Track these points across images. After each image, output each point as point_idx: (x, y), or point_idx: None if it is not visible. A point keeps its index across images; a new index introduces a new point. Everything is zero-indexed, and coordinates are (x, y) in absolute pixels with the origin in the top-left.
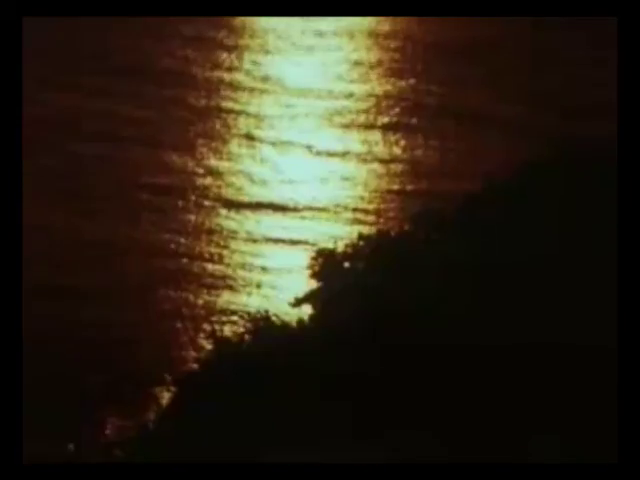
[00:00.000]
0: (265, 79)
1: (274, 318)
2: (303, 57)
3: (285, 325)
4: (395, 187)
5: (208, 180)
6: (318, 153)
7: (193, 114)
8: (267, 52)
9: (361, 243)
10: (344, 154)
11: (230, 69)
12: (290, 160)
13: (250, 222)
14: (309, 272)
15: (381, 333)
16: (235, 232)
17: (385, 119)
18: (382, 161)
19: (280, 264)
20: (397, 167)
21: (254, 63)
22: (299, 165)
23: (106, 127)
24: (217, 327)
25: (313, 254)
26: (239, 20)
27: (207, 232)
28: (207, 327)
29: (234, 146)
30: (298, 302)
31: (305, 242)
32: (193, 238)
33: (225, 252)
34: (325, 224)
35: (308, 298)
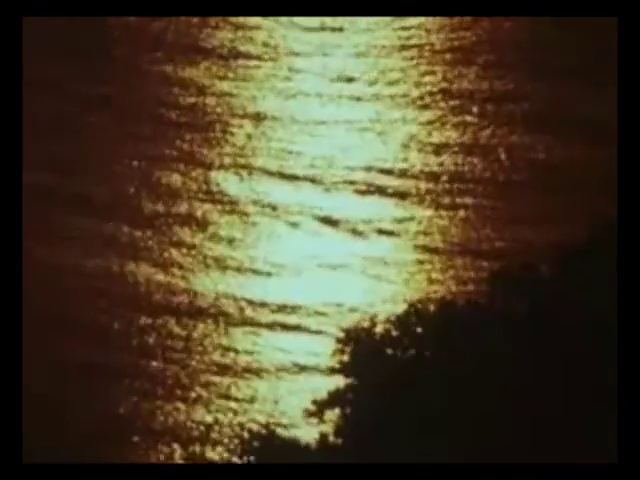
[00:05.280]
0: None
1: (280, 434)
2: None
3: (296, 444)
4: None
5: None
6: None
7: None
8: None
9: (412, 319)
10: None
11: None
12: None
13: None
14: (333, 365)
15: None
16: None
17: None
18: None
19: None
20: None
21: None
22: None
23: None
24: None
25: (340, 336)
26: None
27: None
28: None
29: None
30: (318, 408)
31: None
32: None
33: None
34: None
35: (332, 402)
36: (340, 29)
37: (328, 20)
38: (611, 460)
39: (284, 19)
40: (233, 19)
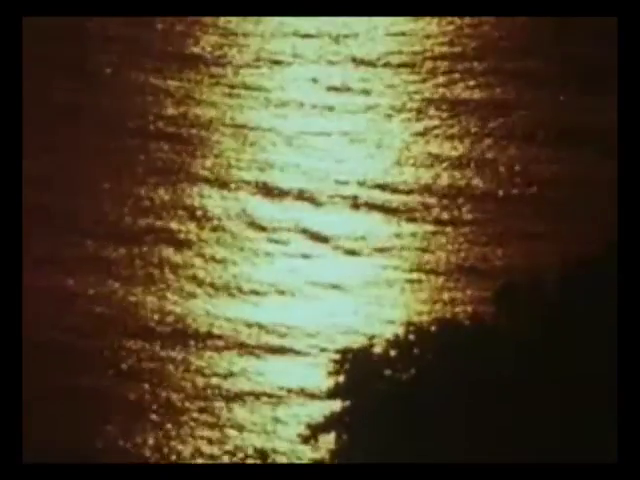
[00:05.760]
0: None
1: (275, 460)
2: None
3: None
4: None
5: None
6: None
7: None
8: None
9: (411, 337)
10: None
11: None
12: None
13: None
14: (329, 388)
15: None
16: None
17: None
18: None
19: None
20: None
21: None
22: None
23: None
24: None
25: (336, 357)
26: None
27: None
28: None
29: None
30: (313, 433)
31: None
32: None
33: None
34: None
35: (328, 427)
36: (336, 36)
37: (324, 27)
38: (611, 460)
39: (276, 26)
40: (223, 25)
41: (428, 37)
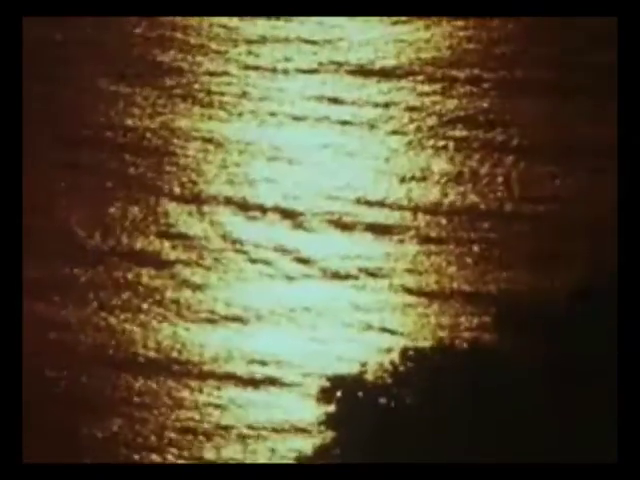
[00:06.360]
0: None
1: None
2: None
3: None
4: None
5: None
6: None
7: None
8: None
9: (407, 364)
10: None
11: None
12: None
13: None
14: (319, 419)
15: None
16: None
17: None
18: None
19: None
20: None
21: None
22: None
23: None
24: None
25: (326, 385)
26: None
27: None
28: None
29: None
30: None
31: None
32: None
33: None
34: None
35: (318, 460)
36: (329, 41)
37: (316, 30)
38: (611, 460)
39: (265, 29)
40: (206, 28)
41: (427, 41)
